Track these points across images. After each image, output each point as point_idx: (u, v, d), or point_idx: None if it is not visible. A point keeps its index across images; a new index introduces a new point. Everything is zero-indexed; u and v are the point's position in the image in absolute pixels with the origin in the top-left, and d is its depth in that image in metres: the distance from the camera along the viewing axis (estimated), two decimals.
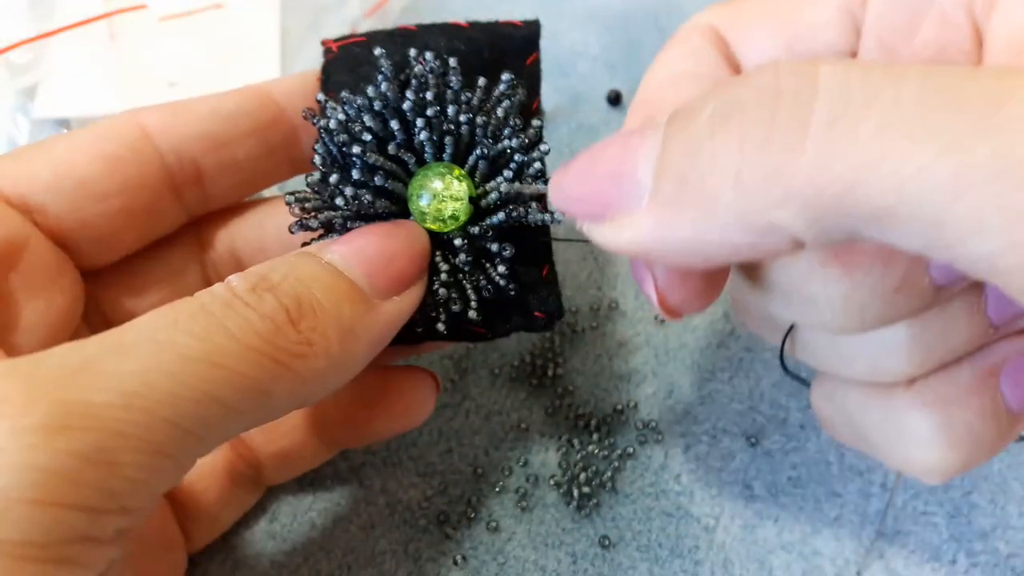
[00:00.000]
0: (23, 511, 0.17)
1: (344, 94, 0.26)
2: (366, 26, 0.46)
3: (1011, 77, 0.15)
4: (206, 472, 0.29)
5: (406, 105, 0.26)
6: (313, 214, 0.26)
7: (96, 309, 0.28)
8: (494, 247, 0.26)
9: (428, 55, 0.27)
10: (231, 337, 0.20)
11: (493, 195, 0.26)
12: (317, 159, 0.26)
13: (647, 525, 0.33)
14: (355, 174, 0.25)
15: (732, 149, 0.17)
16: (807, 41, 0.24)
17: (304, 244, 0.26)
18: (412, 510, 0.33)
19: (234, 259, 0.30)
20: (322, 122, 0.26)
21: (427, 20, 0.29)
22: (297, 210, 0.26)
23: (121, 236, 0.27)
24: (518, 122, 0.27)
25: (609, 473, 0.34)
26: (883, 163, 0.15)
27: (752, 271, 0.23)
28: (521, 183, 0.26)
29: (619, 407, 0.36)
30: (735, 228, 0.17)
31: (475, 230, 0.26)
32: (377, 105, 0.26)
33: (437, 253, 0.26)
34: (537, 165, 0.26)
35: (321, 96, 0.27)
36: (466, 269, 0.26)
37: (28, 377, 0.18)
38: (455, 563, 0.32)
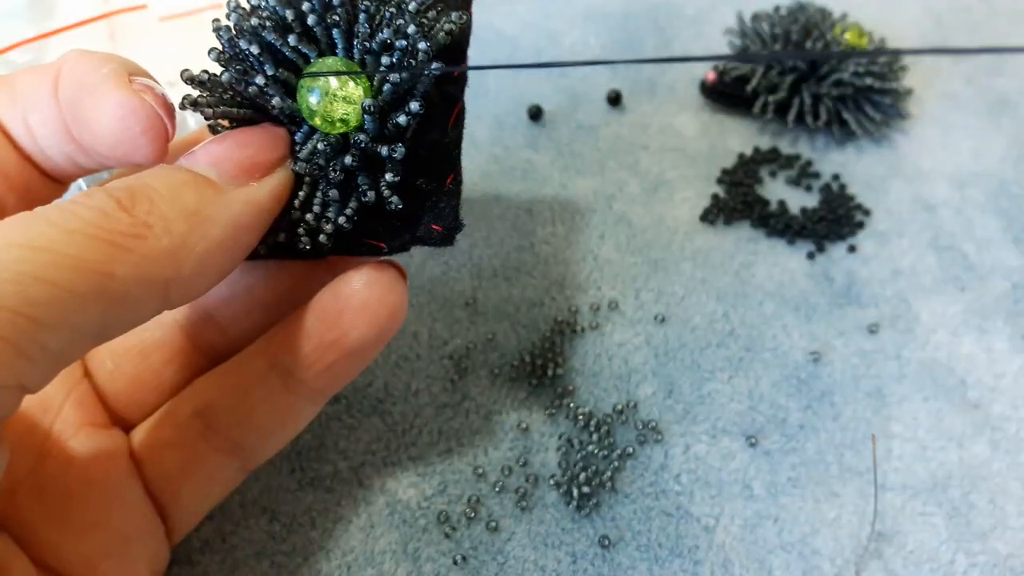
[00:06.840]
0: None
1: None
2: None
3: None
4: (179, 457, 0.28)
5: None
6: (210, 111, 0.25)
7: None
8: (383, 151, 0.24)
9: None
10: (54, 225, 0.20)
11: (386, 88, 0.24)
12: (213, 54, 0.25)
13: (647, 525, 0.33)
14: (251, 61, 0.24)
15: None
16: None
17: None
18: (412, 510, 0.33)
19: None
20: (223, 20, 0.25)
21: None
22: (191, 110, 0.25)
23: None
24: (421, 19, 0.24)
25: (609, 473, 0.34)
26: None
27: None
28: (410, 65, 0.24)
29: (619, 407, 0.36)
30: None
31: (360, 137, 0.24)
32: None
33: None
34: (423, 45, 0.24)
35: None
36: (343, 176, 0.25)
37: None
38: (455, 563, 0.32)
